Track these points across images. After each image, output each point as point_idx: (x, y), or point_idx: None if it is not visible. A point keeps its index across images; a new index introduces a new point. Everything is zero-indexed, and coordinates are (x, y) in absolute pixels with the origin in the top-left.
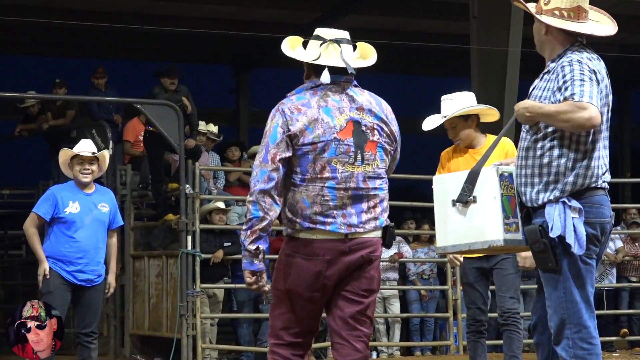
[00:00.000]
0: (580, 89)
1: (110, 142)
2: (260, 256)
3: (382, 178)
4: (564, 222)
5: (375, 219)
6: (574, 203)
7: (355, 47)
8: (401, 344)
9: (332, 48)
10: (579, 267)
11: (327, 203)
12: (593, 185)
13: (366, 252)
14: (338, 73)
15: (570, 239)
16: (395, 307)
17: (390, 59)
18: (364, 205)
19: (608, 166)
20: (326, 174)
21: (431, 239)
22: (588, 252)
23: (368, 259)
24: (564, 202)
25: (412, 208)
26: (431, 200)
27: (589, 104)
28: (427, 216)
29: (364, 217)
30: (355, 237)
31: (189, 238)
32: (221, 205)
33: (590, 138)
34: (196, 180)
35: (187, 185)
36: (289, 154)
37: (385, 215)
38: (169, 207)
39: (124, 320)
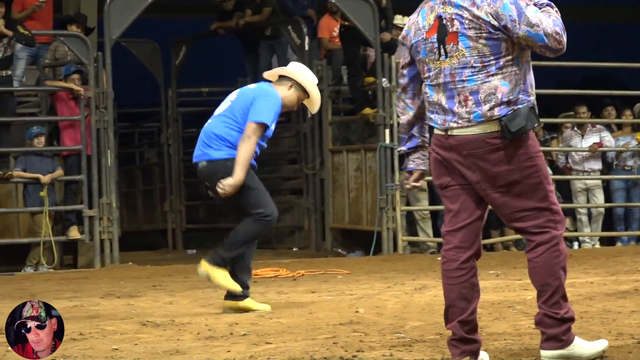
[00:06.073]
0: None
1: (306, 37)
2: (411, 156)
3: (473, 67)
4: None
5: (469, 112)
6: None
7: None
8: (603, 233)
9: None
10: None
11: (429, 99)
12: None
13: (467, 151)
14: None
15: None
16: (598, 198)
17: None
18: (455, 100)
19: None
20: (425, 74)
21: (635, 128)
22: None
23: (473, 156)
24: None
25: (611, 96)
26: (629, 89)
27: None
28: (627, 104)
29: (457, 110)
30: (454, 134)
31: (387, 131)
32: None
33: None
34: (392, 74)
35: (384, 79)
36: (408, 59)
37: (485, 107)
38: (366, 101)
39: (324, 214)
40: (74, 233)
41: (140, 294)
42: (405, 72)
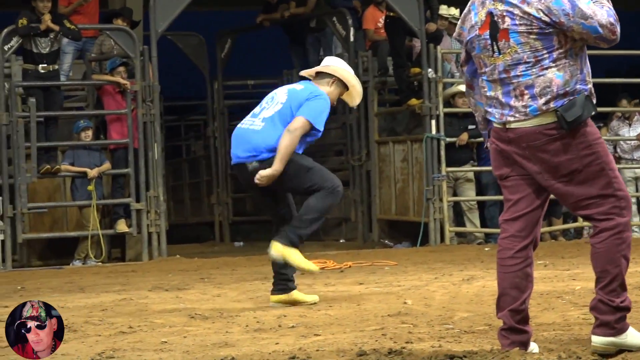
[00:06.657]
0: None
1: (351, 28)
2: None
3: (527, 63)
4: None
5: (525, 106)
6: None
7: None
8: None
9: None
10: None
11: (486, 94)
12: None
13: (526, 143)
14: None
15: None
16: None
17: None
18: (512, 94)
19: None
20: (482, 69)
21: None
22: None
23: (533, 147)
24: None
25: None
26: None
27: None
28: None
29: (514, 104)
30: (512, 127)
31: (433, 122)
32: (464, 88)
33: None
34: (438, 64)
35: (430, 70)
36: (465, 55)
37: (541, 100)
38: (411, 92)
39: (371, 205)
40: (121, 226)
41: (188, 286)
42: (465, 69)
